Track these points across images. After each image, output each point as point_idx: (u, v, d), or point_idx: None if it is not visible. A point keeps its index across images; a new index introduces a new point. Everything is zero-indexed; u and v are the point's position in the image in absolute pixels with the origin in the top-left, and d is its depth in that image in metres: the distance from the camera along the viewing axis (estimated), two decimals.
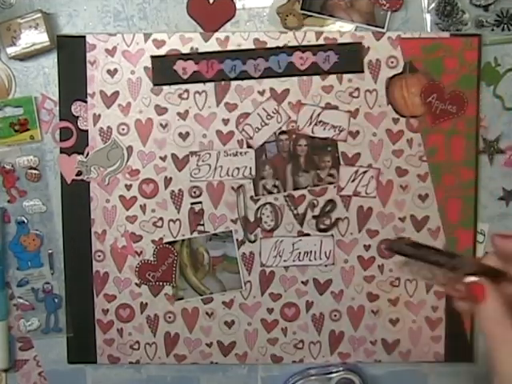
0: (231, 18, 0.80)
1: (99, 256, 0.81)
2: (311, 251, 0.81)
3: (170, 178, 0.80)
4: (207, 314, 0.82)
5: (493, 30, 0.80)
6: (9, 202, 0.81)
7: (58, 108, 0.80)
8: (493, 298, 0.52)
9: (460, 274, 0.54)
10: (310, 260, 0.81)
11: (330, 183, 0.81)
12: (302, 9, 0.79)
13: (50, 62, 0.80)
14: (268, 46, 0.79)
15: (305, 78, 0.79)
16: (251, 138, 0.80)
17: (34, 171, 0.81)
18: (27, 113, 0.80)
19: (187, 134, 0.80)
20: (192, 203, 0.81)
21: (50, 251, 0.82)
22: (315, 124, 0.80)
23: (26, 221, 0.81)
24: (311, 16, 0.79)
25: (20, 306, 0.82)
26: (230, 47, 0.79)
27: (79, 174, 0.80)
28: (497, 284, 0.54)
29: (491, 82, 0.81)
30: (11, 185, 0.81)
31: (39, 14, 0.76)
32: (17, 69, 0.80)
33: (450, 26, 0.80)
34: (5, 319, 0.81)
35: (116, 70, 0.79)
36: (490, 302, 0.52)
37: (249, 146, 0.80)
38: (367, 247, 0.82)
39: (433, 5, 0.80)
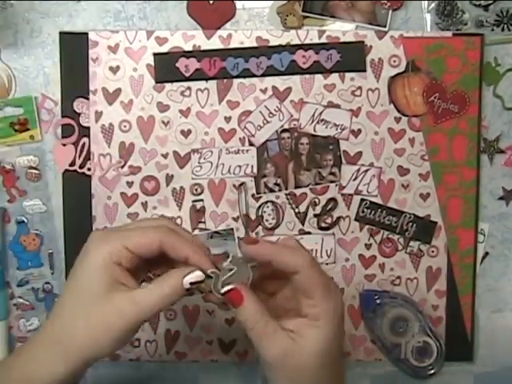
0: (231, 18, 0.80)
1: None
2: (312, 249, 0.81)
3: (172, 176, 0.80)
4: (208, 311, 0.81)
5: (493, 29, 0.81)
6: (9, 201, 0.80)
7: (58, 108, 0.80)
8: (249, 299, 0.57)
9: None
10: None
11: (332, 182, 0.81)
12: (303, 11, 0.79)
13: (50, 62, 0.80)
14: (270, 44, 0.79)
15: (307, 76, 0.80)
16: (253, 135, 0.80)
17: (34, 171, 0.80)
18: (27, 113, 0.79)
19: (189, 131, 0.80)
20: (193, 201, 0.80)
21: (50, 251, 0.81)
22: (317, 122, 0.80)
23: (25, 221, 0.81)
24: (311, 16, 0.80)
25: (20, 305, 0.81)
26: (232, 45, 0.79)
27: (73, 164, 0.80)
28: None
29: (491, 81, 0.81)
30: (11, 185, 0.80)
31: None
32: (17, 69, 0.80)
33: (450, 25, 0.80)
34: (5, 319, 0.81)
35: (118, 67, 0.79)
36: (248, 304, 0.56)
37: (251, 144, 0.80)
38: (368, 246, 0.82)
39: (433, 5, 0.80)
